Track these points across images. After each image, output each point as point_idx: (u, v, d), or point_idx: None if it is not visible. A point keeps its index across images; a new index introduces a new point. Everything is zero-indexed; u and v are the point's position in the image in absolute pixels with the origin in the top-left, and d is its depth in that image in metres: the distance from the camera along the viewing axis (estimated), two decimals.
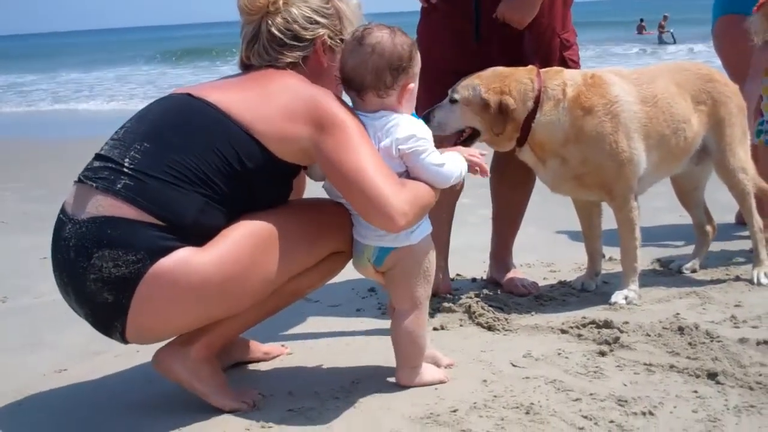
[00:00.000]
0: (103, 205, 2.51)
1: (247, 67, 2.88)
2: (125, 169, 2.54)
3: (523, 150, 3.68)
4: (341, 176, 2.62)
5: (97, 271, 2.48)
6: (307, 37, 2.82)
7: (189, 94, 2.70)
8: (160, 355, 2.75)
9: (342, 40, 2.87)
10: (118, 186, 2.52)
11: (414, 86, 2.81)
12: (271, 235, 2.65)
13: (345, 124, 2.63)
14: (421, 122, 2.80)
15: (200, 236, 2.56)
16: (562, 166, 3.66)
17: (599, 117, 3.60)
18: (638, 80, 3.78)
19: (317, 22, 2.84)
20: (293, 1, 2.83)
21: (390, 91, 2.75)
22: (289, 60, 2.81)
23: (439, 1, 3.82)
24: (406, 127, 2.72)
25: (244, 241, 2.60)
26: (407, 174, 2.74)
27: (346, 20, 2.91)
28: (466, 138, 3.62)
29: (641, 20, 38.14)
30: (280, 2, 2.79)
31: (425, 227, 2.83)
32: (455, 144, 3.50)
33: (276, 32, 2.79)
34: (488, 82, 3.56)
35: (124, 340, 2.64)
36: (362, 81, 2.75)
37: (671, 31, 31.99)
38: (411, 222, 2.64)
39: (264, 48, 2.81)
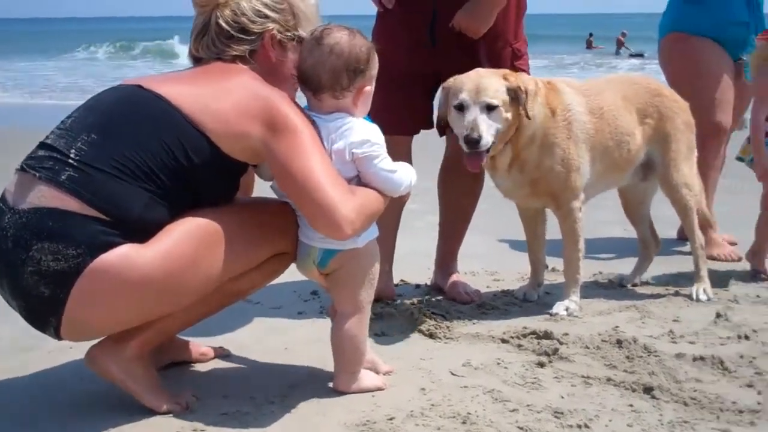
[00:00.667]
0: (46, 196, 2.44)
1: (197, 59, 2.84)
2: (71, 161, 2.48)
3: (501, 152, 3.63)
4: (290, 180, 2.59)
5: (35, 264, 2.42)
6: (255, 30, 2.79)
7: (139, 86, 2.65)
8: (94, 352, 2.69)
9: (295, 37, 2.84)
10: (63, 177, 2.46)
11: (370, 89, 2.79)
12: (215, 233, 2.61)
13: (298, 129, 2.60)
14: (375, 127, 2.78)
15: (144, 232, 2.50)
16: (520, 170, 3.66)
17: (558, 121, 3.64)
18: (587, 91, 3.81)
19: (267, 16, 2.81)
20: None
21: (346, 93, 2.73)
22: (235, 53, 2.77)
23: (395, 5, 3.82)
24: (361, 131, 2.70)
25: (188, 238, 2.56)
26: (358, 179, 2.72)
27: (301, 16, 2.88)
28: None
29: (590, 35, 38.93)
30: None
31: (372, 231, 2.81)
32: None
33: (224, 24, 2.76)
34: (503, 75, 3.54)
35: (58, 336, 2.58)
36: (319, 81, 2.73)
37: (629, 47, 32.77)
38: (358, 230, 2.62)
39: (212, 40, 2.78)
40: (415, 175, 2.84)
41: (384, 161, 2.72)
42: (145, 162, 2.51)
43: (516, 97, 3.50)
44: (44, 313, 2.51)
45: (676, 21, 5.06)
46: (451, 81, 3.56)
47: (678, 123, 4.03)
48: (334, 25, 2.82)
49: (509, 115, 3.50)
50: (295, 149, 2.58)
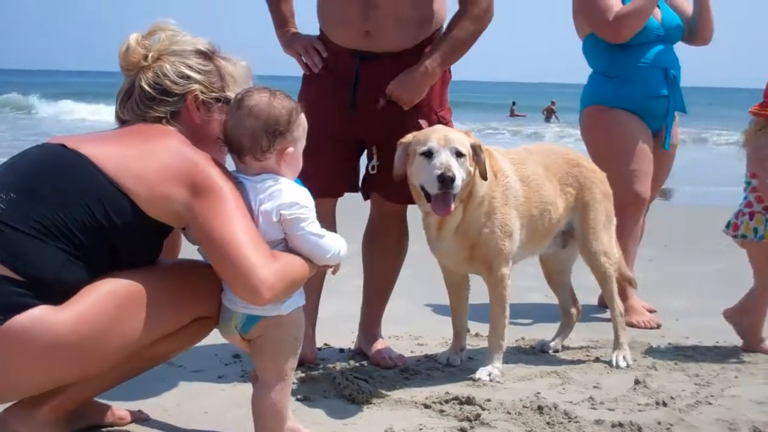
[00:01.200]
0: None
1: (122, 121, 2.83)
2: None
3: (455, 210, 3.62)
4: (210, 243, 2.58)
5: None
6: (177, 91, 2.80)
7: (63, 145, 2.62)
8: (6, 415, 2.62)
9: (221, 98, 2.85)
10: None
11: (293, 150, 2.79)
12: (135, 296, 2.57)
13: (221, 191, 2.60)
14: (305, 190, 2.78)
15: (61, 293, 2.46)
16: (463, 234, 3.69)
17: (499, 186, 3.70)
18: (513, 160, 3.90)
19: (189, 78, 2.82)
20: (168, 57, 2.81)
21: (267, 155, 2.73)
22: (157, 114, 2.78)
23: (322, 69, 3.87)
24: (290, 193, 2.70)
25: (105, 301, 2.51)
26: (286, 242, 2.72)
27: (228, 78, 2.90)
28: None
29: (513, 103, 39.86)
30: (150, 58, 2.78)
31: (297, 299, 2.79)
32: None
33: (146, 86, 2.77)
34: (461, 132, 3.60)
35: None
36: (239, 143, 2.73)
37: (558, 116, 33.67)
38: (278, 296, 2.60)
39: (135, 103, 2.78)
40: (346, 246, 2.83)
41: (312, 225, 2.71)
42: (64, 222, 2.48)
43: (476, 154, 3.55)
44: None
45: (596, 94, 5.20)
46: (410, 136, 3.60)
47: (596, 193, 4.13)
48: (257, 87, 2.83)
49: (471, 170, 3.54)
50: (217, 212, 2.57)
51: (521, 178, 3.83)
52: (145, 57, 2.79)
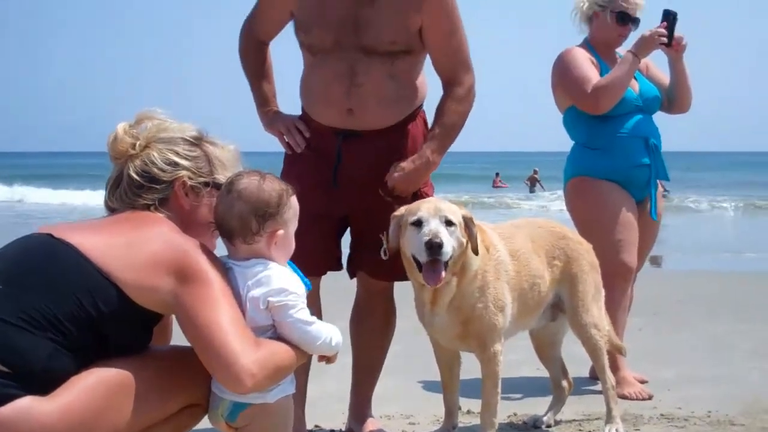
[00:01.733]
0: None
1: (111, 209, 2.83)
2: None
3: (446, 286, 3.61)
4: (194, 330, 2.57)
5: None
6: (165, 179, 2.80)
7: (50, 235, 2.61)
8: None
9: (210, 183, 2.86)
10: None
11: (283, 233, 2.79)
12: (123, 385, 2.54)
13: (207, 278, 2.60)
14: (295, 276, 2.77)
15: (48, 383, 2.43)
16: (457, 309, 3.67)
17: (492, 260, 3.70)
18: (502, 234, 3.91)
19: (177, 164, 2.82)
20: (155, 144, 2.82)
21: (257, 238, 2.73)
22: (145, 202, 2.78)
23: (305, 149, 3.90)
24: (278, 280, 2.69)
25: (93, 390, 2.48)
26: (274, 329, 2.70)
27: (216, 163, 2.90)
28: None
29: (497, 174, 40.11)
30: (138, 146, 2.79)
31: (286, 387, 2.76)
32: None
33: (134, 175, 2.77)
34: (452, 203, 3.61)
35: None
36: (229, 227, 2.74)
37: (543, 185, 33.90)
38: (260, 384, 2.57)
39: (124, 191, 2.79)
40: (339, 335, 2.80)
41: (301, 312, 2.69)
42: (52, 312, 2.46)
43: (468, 227, 3.57)
44: None
45: (578, 166, 5.25)
46: (403, 209, 3.61)
47: (584, 264, 4.14)
48: (247, 170, 2.85)
49: (463, 241, 3.54)
50: (202, 299, 2.56)
51: (510, 252, 3.84)
52: (133, 145, 2.80)
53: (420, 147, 3.93)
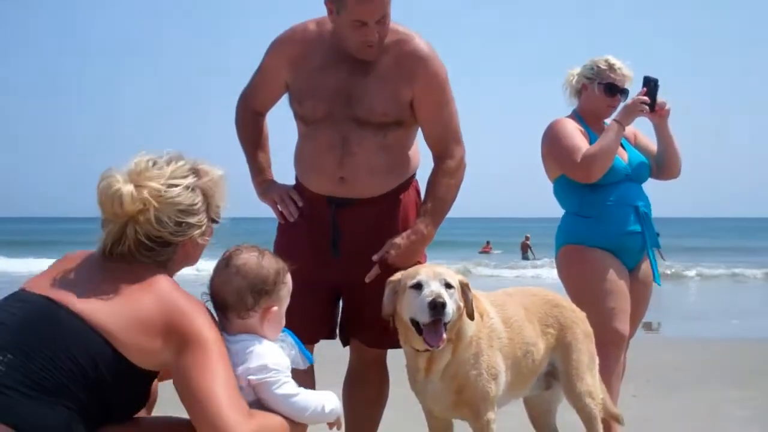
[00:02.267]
0: None
1: (110, 253, 2.76)
2: None
3: (441, 353, 3.62)
4: (189, 395, 2.58)
5: None
6: (177, 241, 2.77)
7: (49, 299, 2.61)
8: None
9: (213, 222, 2.85)
10: None
11: (277, 309, 2.81)
12: None
13: (207, 343, 2.61)
14: (277, 350, 2.77)
15: None
16: (452, 377, 3.67)
17: (485, 327, 3.71)
18: (494, 302, 3.93)
19: (188, 224, 2.78)
20: (162, 207, 2.72)
21: (251, 313, 2.76)
22: (157, 261, 2.75)
23: (298, 218, 3.93)
24: (260, 357, 2.70)
25: None
26: (259, 403, 2.70)
27: (213, 197, 2.86)
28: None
29: (487, 242, 40.09)
30: (151, 210, 2.70)
31: None
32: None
33: (143, 239, 2.72)
34: (448, 268, 3.64)
35: None
36: (224, 301, 2.76)
37: (535, 252, 33.85)
38: None
39: (129, 250, 2.73)
40: (333, 400, 2.81)
41: (284, 386, 2.69)
42: (61, 380, 2.48)
43: (464, 292, 3.58)
44: None
45: (570, 234, 5.27)
46: (399, 274, 3.63)
47: (578, 333, 4.16)
48: (245, 245, 2.87)
49: (461, 305, 3.55)
50: (198, 365, 2.58)
51: (503, 319, 3.86)
52: (141, 210, 2.70)
53: (412, 216, 3.98)
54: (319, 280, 3.88)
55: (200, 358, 2.58)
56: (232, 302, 2.75)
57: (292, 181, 4.11)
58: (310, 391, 2.77)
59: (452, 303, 3.48)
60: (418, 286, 3.51)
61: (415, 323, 3.53)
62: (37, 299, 2.65)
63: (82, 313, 2.57)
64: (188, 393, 2.58)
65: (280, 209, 4.01)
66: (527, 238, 36.86)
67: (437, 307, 3.41)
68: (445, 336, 3.47)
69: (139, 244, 2.73)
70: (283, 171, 4.15)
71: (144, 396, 2.75)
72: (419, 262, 3.95)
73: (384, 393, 4.17)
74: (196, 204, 2.80)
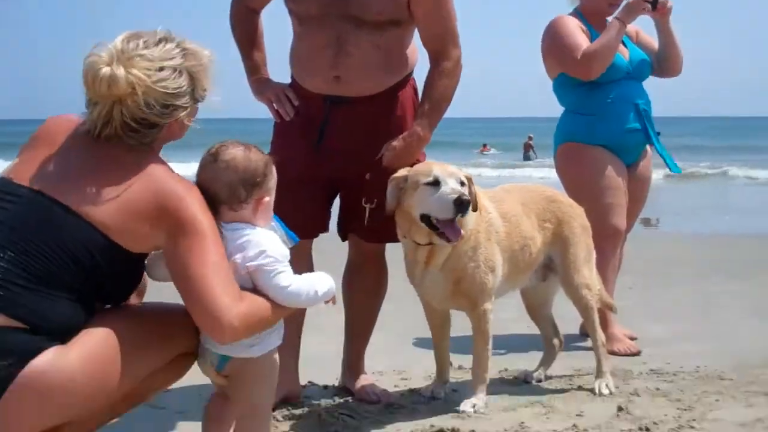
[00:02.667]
0: None
1: (98, 135, 2.70)
2: None
3: (440, 245, 3.66)
4: (182, 280, 2.61)
5: None
6: (163, 123, 2.73)
7: (41, 193, 2.59)
8: None
9: (197, 101, 2.82)
10: None
11: (269, 199, 2.83)
12: (129, 336, 2.63)
13: (201, 228, 2.62)
14: (275, 239, 2.80)
15: (65, 333, 2.53)
16: (449, 269, 3.72)
17: (484, 221, 3.75)
18: (493, 198, 3.95)
19: (175, 106, 2.73)
20: (149, 90, 2.65)
21: (244, 205, 2.77)
22: (143, 142, 2.72)
23: (294, 116, 3.91)
24: (258, 243, 2.72)
25: (105, 341, 2.57)
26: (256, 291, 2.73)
27: (200, 79, 2.80)
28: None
29: (484, 144, 40.00)
30: (139, 93, 2.64)
31: (270, 342, 2.81)
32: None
33: (130, 122, 2.67)
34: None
35: None
36: (215, 195, 2.76)
37: (536, 152, 33.79)
38: (240, 335, 2.62)
39: (116, 131, 2.68)
40: (326, 282, 2.82)
41: (279, 275, 2.71)
42: (59, 274, 2.53)
43: (468, 187, 3.60)
44: None
45: (569, 132, 5.29)
46: (404, 171, 3.66)
47: (575, 227, 4.20)
48: (230, 141, 2.87)
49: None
50: (192, 249, 2.59)
51: (501, 214, 3.88)
52: (129, 93, 2.63)
53: (409, 114, 3.96)
54: (315, 176, 3.88)
55: (194, 242, 2.60)
56: (225, 196, 2.77)
57: (288, 80, 4.07)
58: (303, 278, 2.79)
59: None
60: (435, 183, 3.53)
61: (425, 218, 3.56)
62: (28, 194, 2.62)
63: (75, 207, 2.57)
64: (182, 277, 2.62)
65: (276, 108, 3.98)
66: (530, 138, 36.59)
67: (463, 204, 3.46)
68: (462, 231, 3.51)
69: (125, 126, 2.69)
70: (279, 70, 4.11)
71: (138, 277, 2.78)
72: (417, 162, 3.95)
73: (383, 285, 4.22)
74: (182, 87, 2.75)
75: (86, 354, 2.52)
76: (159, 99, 2.68)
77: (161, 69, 2.69)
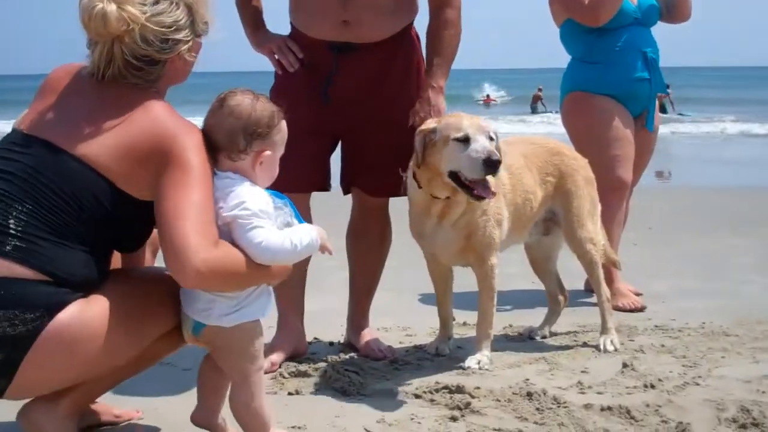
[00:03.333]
0: None
1: (101, 78, 2.71)
2: (12, 231, 2.48)
3: (457, 199, 3.64)
4: (159, 213, 2.58)
5: None
6: (164, 58, 2.72)
7: (49, 143, 2.59)
8: (29, 408, 2.67)
9: (198, 35, 2.80)
10: (8, 248, 2.46)
11: (271, 154, 2.77)
12: (144, 296, 2.69)
13: (189, 165, 2.59)
14: (262, 195, 2.71)
15: (86, 286, 2.56)
16: (464, 225, 3.71)
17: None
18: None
19: (174, 41, 2.71)
20: (146, 23, 2.64)
21: (242, 156, 2.72)
22: (148, 80, 2.72)
23: (299, 68, 3.87)
24: (238, 195, 2.65)
25: (125, 296, 2.62)
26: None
27: (199, 18, 2.80)
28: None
29: (487, 95, 39.76)
30: (136, 29, 2.63)
31: (247, 313, 2.72)
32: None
33: (130, 59, 2.66)
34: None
35: (0, 396, 2.56)
36: (216, 141, 2.72)
37: (545, 103, 33.55)
38: (206, 282, 2.57)
39: (119, 71, 2.68)
40: (310, 234, 2.73)
41: (254, 230, 2.61)
42: (74, 225, 2.54)
43: (496, 141, 3.56)
44: None
45: (575, 81, 5.24)
46: (432, 123, 3.58)
47: (578, 180, 4.16)
48: (240, 88, 2.83)
49: None
50: (176, 185, 2.57)
51: (506, 167, 3.85)
52: (126, 30, 2.63)
53: (414, 63, 3.94)
54: (318, 128, 3.84)
55: (179, 177, 2.57)
56: (224, 143, 2.71)
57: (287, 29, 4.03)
58: (280, 233, 2.68)
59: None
60: (465, 140, 3.48)
61: (453, 175, 3.52)
62: (36, 145, 2.62)
63: (81, 155, 2.57)
64: (159, 211, 2.58)
65: (278, 59, 3.93)
66: (540, 90, 36.25)
67: (494, 164, 3.40)
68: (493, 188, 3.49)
69: (127, 64, 2.67)
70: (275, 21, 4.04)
71: (148, 226, 2.74)
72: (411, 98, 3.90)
73: (387, 239, 4.20)
74: (180, 20, 2.73)
75: (108, 310, 2.56)
76: (157, 34, 2.67)
77: (156, 2, 2.68)
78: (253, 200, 2.65)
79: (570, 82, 5.28)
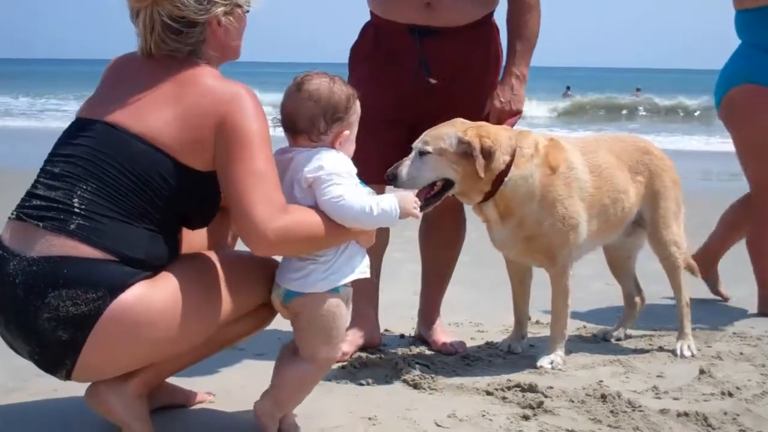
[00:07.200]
0: (56, 245, 2.47)
1: (149, 54, 2.73)
2: (76, 210, 2.51)
3: (485, 205, 3.65)
4: (225, 184, 2.62)
5: (52, 311, 2.44)
6: (201, 20, 2.70)
7: (108, 124, 2.62)
8: (97, 387, 2.69)
9: (238, 6, 2.79)
10: (72, 226, 2.49)
11: (349, 133, 2.81)
12: (212, 281, 2.69)
13: (248, 134, 2.59)
14: (344, 159, 2.77)
15: (151, 267, 2.57)
16: (518, 226, 3.67)
17: (561, 179, 3.66)
18: (583, 149, 3.84)
19: (210, 2, 2.71)
20: None
21: (322, 137, 2.76)
22: (187, 48, 2.71)
23: (373, 50, 3.85)
24: (319, 159, 2.70)
25: (193, 280, 2.63)
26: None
27: None
28: (438, 191, 3.55)
29: (567, 88, 39.22)
30: None
31: (336, 278, 2.76)
32: (427, 197, 3.51)
33: (169, 21, 2.67)
34: (464, 129, 3.53)
35: (67, 378, 2.59)
36: (295, 125, 2.77)
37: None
38: (276, 248, 2.62)
39: (160, 38, 2.69)
40: (388, 203, 2.73)
41: (332, 187, 2.67)
42: (139, 202, 2.56)
43: (470, 152, 3.50)
44: (60, 356, 2.52)
45: (753, 71, 4.67)
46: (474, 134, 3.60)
47: (666, 180, 4.06)
48: (316, 71, 2.85)
49: (456, 167, 3.50)
50: (238, 157, 2.58)
51: (591, 167, 3.77)
52: None
53: (493, 52, 3.92)
54: (398, 117, 3.82)
55: (237, 147, 2.58)
56: (304, 127, 2.76)
57: (366, 15, 4.01)
58: (360, 194, 2.72)
59: (413, 172, 3.50)
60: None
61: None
62: (97, 127, 2.65)
63: (141, 133, 2.58)
64: (224, 183, 2.62)
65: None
66: (638, 90, 35.47)
67: (387, 177, 3.51)
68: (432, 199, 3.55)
69: (166, 27, 2.67)
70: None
71: (215, 199, 2.76)
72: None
73: (460, 237, 4.16)
74: None
75: (172, 293, 2.56)
76: None
77: None
78: (335, 162, 2.71)
79: (745, 71, 4.68)
